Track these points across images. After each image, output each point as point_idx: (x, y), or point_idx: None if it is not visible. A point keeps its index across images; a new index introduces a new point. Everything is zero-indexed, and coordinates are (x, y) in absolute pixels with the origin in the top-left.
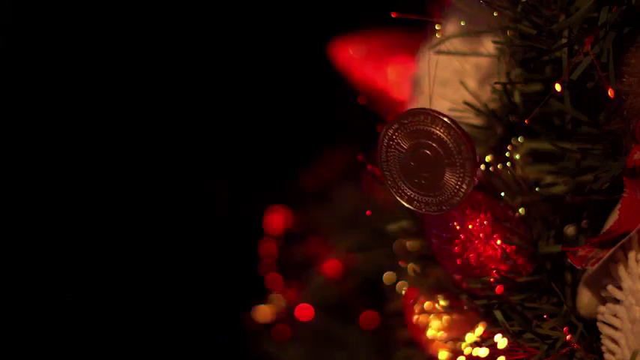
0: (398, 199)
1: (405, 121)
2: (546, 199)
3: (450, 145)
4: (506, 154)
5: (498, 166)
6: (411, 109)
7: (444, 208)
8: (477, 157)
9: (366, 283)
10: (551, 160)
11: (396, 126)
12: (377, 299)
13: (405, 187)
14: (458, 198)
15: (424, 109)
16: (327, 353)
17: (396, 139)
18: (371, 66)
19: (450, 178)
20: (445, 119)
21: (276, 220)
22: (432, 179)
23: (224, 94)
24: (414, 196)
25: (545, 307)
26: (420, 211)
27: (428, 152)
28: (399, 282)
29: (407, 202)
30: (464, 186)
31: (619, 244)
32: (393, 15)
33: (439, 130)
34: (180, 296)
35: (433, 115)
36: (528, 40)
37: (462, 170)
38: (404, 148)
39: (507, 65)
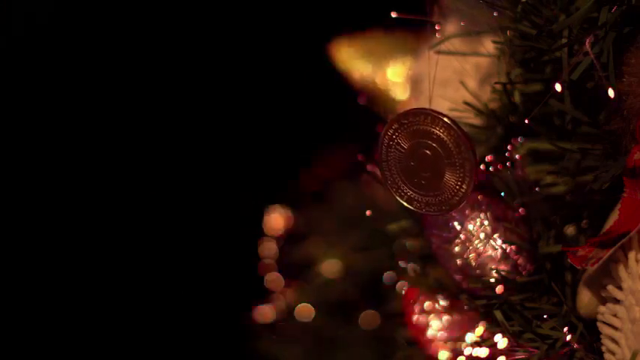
0: (398, 199)
1: (405, 121)
2: (546, 199)
3: (450, 145)
4: (506, 154)
5: (498, 166)
6: (411, 109)
7: (443, 208)
8: (477, 158)
9: (366, 283)
10: (551, 160)
11: (396, 126)
12: (377, 299)
13: (405, 187)
14: (458, 198)
15: (424, 109)
16: (327, 353)
17: (396, 139)
18: (371, 66)
19: (449, 178)
20: (445, 119)
21: (276, 220)
22: (432, 179)
23: (224, 93)
24: (414, 196)
25: (545, 307)
26: (420, 212)
27: (428, 152)
28: (399, 282)
29: (407, 202)
30: (464, 186)
31: (619, 244)
32: (393, 15)
33: (439, 130)
34: (180, 296)
35: (433, 115)
36: (528, 40)
37: (461, 170)
38: (404, 148)
39: (507, 65)
